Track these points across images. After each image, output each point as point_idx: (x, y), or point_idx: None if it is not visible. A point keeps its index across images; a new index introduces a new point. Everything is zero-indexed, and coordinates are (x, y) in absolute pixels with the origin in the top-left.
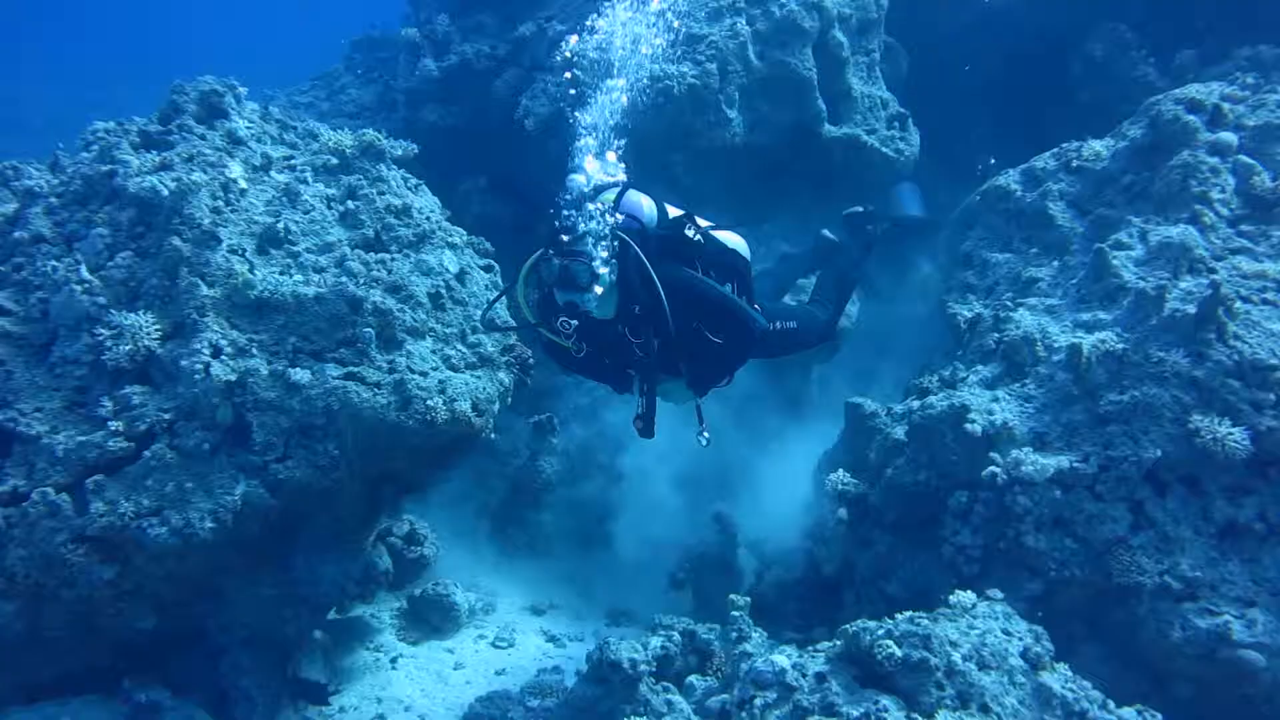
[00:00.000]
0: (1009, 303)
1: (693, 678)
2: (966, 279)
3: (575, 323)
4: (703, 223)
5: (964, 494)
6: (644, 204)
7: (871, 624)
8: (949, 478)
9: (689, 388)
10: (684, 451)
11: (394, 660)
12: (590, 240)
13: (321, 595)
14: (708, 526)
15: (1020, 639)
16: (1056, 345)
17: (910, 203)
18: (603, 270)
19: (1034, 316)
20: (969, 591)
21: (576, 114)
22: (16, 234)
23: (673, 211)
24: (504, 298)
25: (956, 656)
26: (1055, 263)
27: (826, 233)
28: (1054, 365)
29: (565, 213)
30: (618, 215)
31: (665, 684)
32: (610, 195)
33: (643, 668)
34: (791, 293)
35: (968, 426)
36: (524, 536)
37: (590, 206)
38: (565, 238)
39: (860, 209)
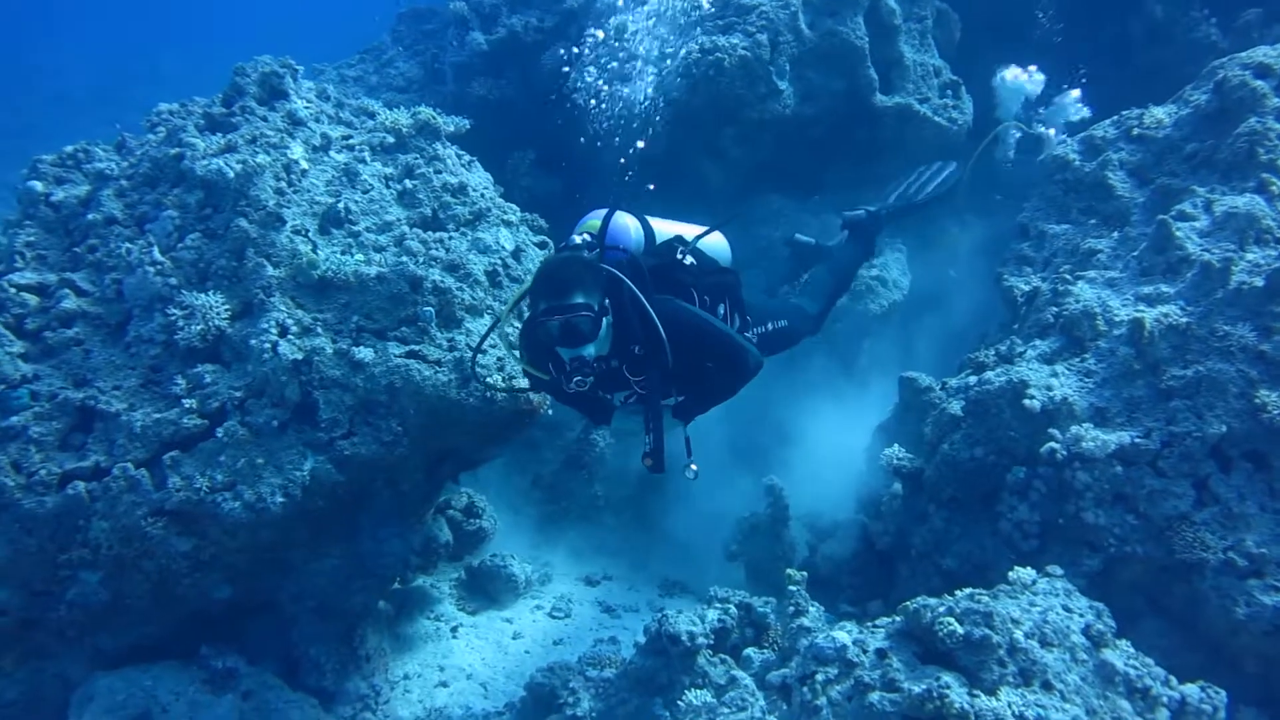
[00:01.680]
0: (1068, 275)
1: (750, 650)
2: (1023, 251)
3: (591, 380)
4: (689, 231)
5: (1022, 470)
6: (630, 228)
7: (932, 601)
8: (1007, 454)
9: (675, 417)
10: (735, 424)
11: (454, 630)
12: (585, 282)
13: (385, 567)
14: (760, 499)
15: (1082, 616)
16: (1117, 319)
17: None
18: (604, 318)
19: (1094, 290)
20: (1029, 568)
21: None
22: (90, 216)
23: (658, 226)
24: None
25: (1019, 634)
26: (1115, 234)
27: (799, 236)
28: (1115, 340)
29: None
30: (600, 249)
31: (723, 656)
32: (594, 223)
33: (700, 640)
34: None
35: (1026, 403)
36: (577, 508)
37: (576, 238)
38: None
39: (862, 212)
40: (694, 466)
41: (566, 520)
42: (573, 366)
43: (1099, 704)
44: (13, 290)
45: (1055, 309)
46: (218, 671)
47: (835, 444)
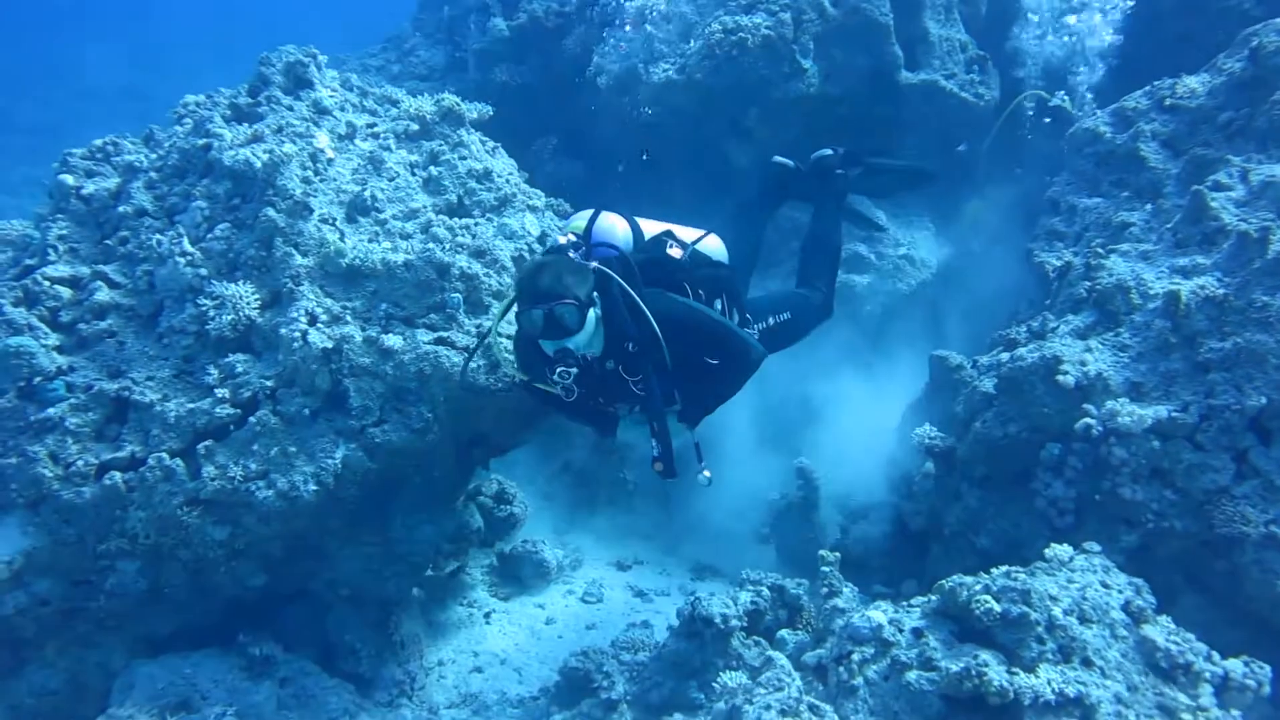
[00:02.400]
0: (1100, 249)
1: (783, 632)
2: (1054, 225)
3: (575, 370)
4: (686, 234)
5: (1057, 446)
6: (618, 227)
7: (968, 579)
8: (1040, 430)
9: (680, 420)
10: (764, 406)
11: (487, 616)
12: (567, 279)
13: (418, 554)
14: (790, 481)
15: (1121, 592)
16: (1152, 292)
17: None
18: (590, 310)
19: (1127, 263)
20: (1065, 545)
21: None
22: (120, 208)
23: (647, 226)
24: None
25: (1057, 611)
26: (1149, 206)
27: (779, 159)
28: (1150, 313)
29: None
30: (586, 246)
31: (757, 638)
32: (579, 224)
33: (734, 622)
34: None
35: (1060, 378)
36: (607, 494)
37: (561, 239)
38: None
39: (830, 151)
40: (707, 473)
41: (597, 505)
42: (556, 357)
43: (1140, 680)
44: (46, 283)
45: (1088, 283)
46: (256, 659)
47: (865, 424)
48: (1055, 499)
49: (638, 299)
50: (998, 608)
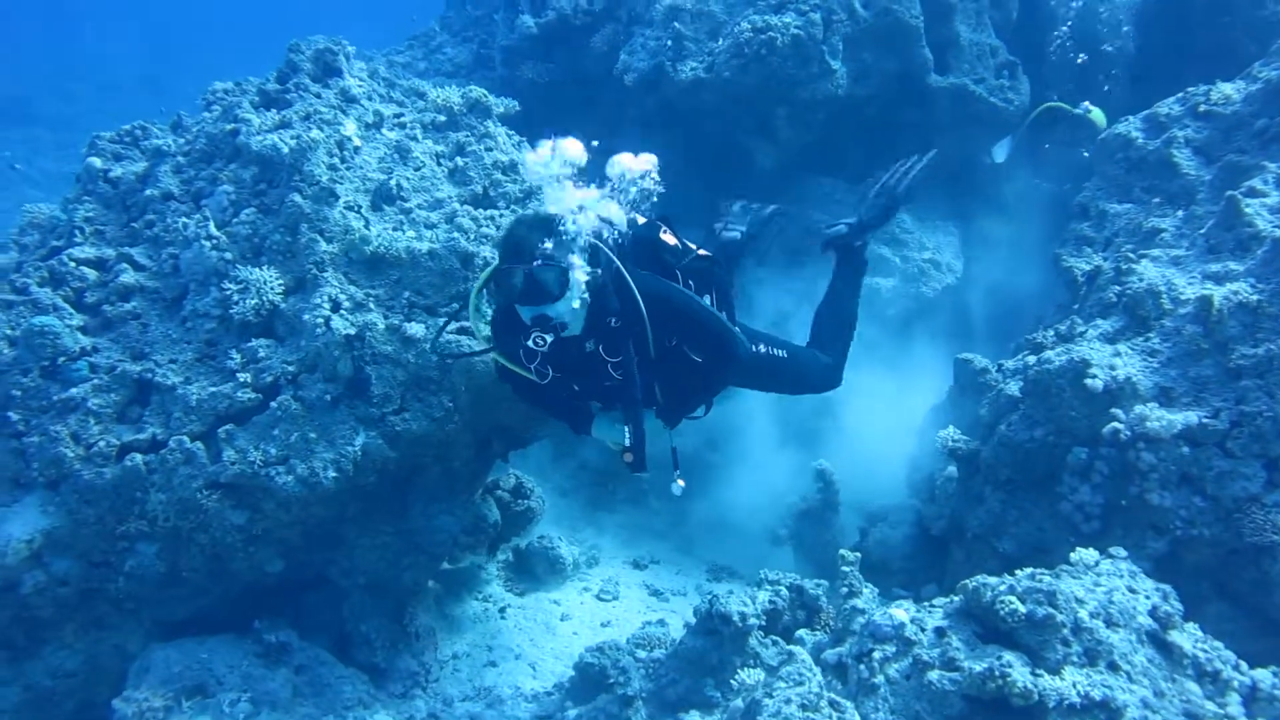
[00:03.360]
0: (1130, 254)
1: (802, 632)
2: (1082, 231)
3: (550, 338)
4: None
5: (1083, 451)
6: (611, 210)
7: (992, 580)
8: (1067, 434)
9: (659, 418)
10: (783, 407)
11: (502, 610)
12: (552, 240)
13: (436, 544)
14: (809, 483)
15: (1148, 597)
16: (1183, 297)
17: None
18: (580, 275)
19: (1158, 268)
20: (1091, 549)
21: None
22: (147, 192)
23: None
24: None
25: (1083, 613)
26: (1180, 212)
27: (728, 233)
28: (1181, 318)
29: (522, 225)
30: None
31: (775, 638)
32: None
33: (752, 620)
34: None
35: (1088, 382)
36: (624, 491)
37: (551, 209)
38: (534, 246)
39: (843, 227)
40: (681, 482)
41: (614, 503)
42: (533, 323)
43: (1167, 686)
44: (72, 264)
45: (1118, 288)
46: (271, 645)
47: (886, 427)
48: (1081, 504)
49: (625, 273)
50: (1022, 608)
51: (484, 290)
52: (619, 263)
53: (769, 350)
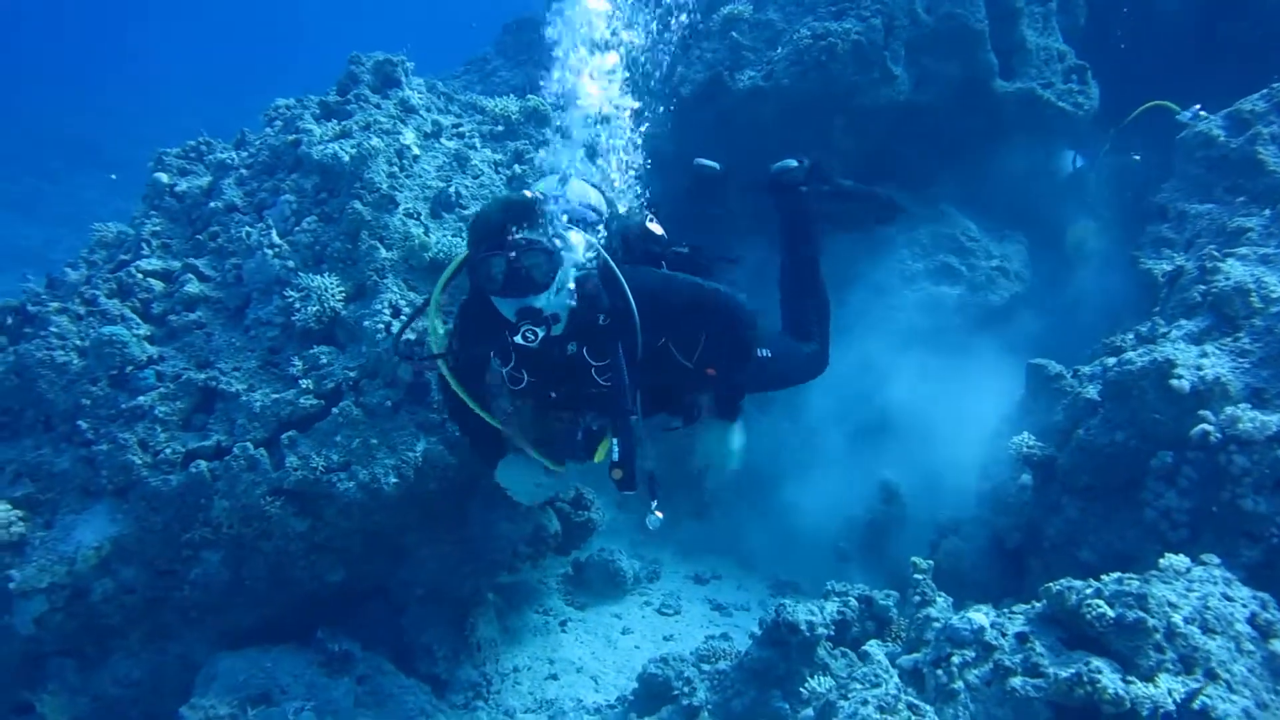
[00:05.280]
0: (1215, 254)
1: (872, 643)
2: (1161, 233)
3: (541, 332)
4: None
5: (1169, 454)
6: (592, 197)
7: (1077, 583)
8: (1151, 438)
9: (720, 416)
10: (846, 416)
11: (563, 624)
12: (529, 224)
13: (496, 552)
14: (874, 495)
15: (1245, 605)
16: (1275, 295)
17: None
18: (571, 262)
19: (1246, 267)
20: (1181, 555)
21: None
22: (211, 204)
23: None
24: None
25: (1177, 618)
26: (1267, 211)
27: (701, 160)
28: (1273, 317)
29: (497, 208)
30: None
31: (844, 649)
32: (547, 186)
33: (820, 630)
34: None
35: (1174, 383)
36: (686, 504)
37: (527, 194)
38: (513, 232)
39: (794, 162)
40: (659, 513)
41: (675, 517)
42: (520, 316)
43: (1270, 699)
44: (140, 276)
45: (1203, 287)
46: (334, 655)
47: (955, 436)
48: (1168, 510)
49: (614, 266)
50: (1111, 613)
51: (449, 285)
52: (605, 254)
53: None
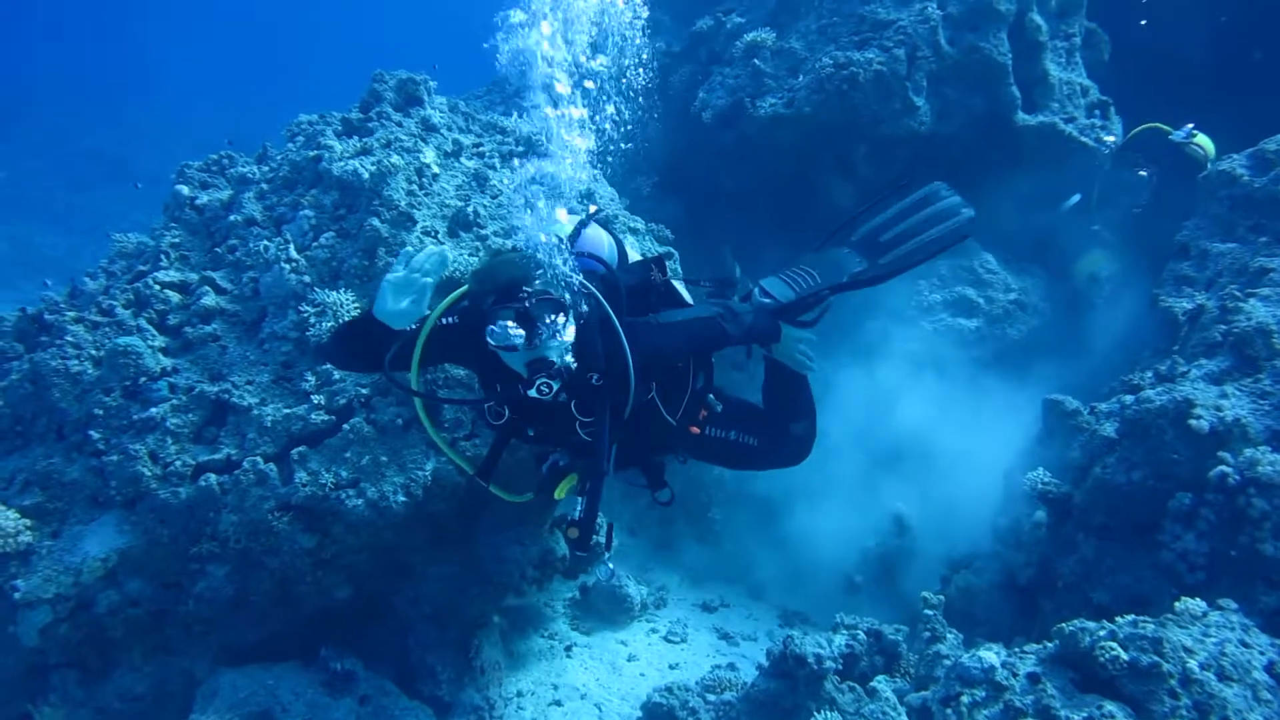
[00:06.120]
0: (1237, 293)
1: (880, 678)
2: (1182, 271)
3: (556, 384)
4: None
5: (1187, 496)
6: (604, 241)
7: (1090, 624)
8: (1169, 478)
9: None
10: (860, 446)
11: (568, 649)
12: (542, 278)
13: (503, 574)
14: (886, 527)
15: (1263, 652)
16: None
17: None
18: (568, 320)
19: (1268, 307)
20: (1197, 599)
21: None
22: (231, 218)
23: (632, 254)
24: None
25: (1192, 664)
26: None
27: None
28: None
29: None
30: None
31: (851, 684)
32: (562, 229)
33: (829, 663)
34: None
35: (1193, 423)
36: (694, 531)
37: (541, 237)
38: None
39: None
40: (610, 565)
41: (683, 544)
42: (533, 369)
43: None
44: (157, 287)
45: (1224, 327)
46: (337, 674)
47: (969, 471)
48: (1185, 552)
49: (618, 326)
50: (1125, 655)
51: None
52: (610, 311)
53: (739, 437)
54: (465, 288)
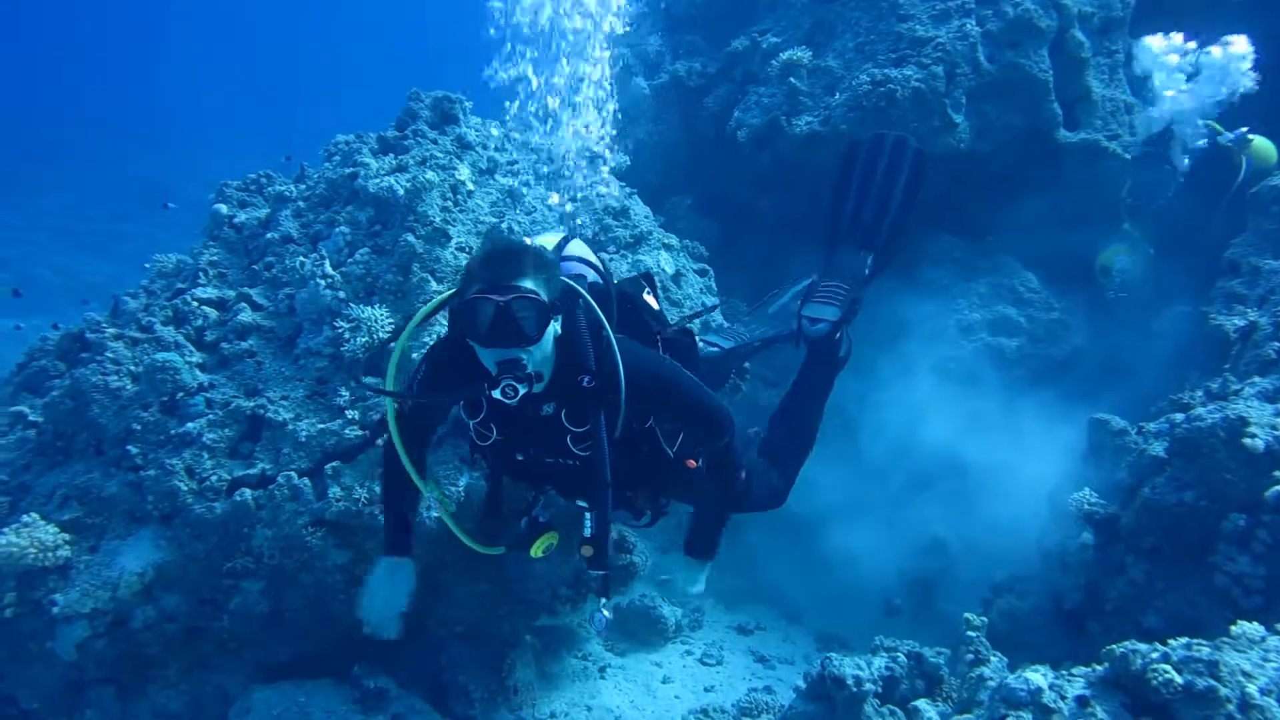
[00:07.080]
0: None
1: (921, 702)
2: (1233, 288)
3: (523, 389)
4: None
5: (1241, 517)
6: (590, 255)
7: (1142, 646)
8: (1222, 499)
9: (689, 554)
10: (899, 466)
11: (602, 670)
12: (531, 271)
13: (534, 592)
14: (926, 549)
15: None
16: None
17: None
18: (551, 323)
19: None
20: (1255, 623)
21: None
22: (268, 235)
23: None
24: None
25: (1252, 689)
26: None
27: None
28: None
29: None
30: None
31: (892, 707)
32: (548, 239)
33: (868, 686)
34: None
35: (1247, 441)
36: (729, 555)
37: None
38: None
39: (826, 325)
40: (607, 614)
41: (718, 566)
42: (502, 369)
43: None
44: (195, 304)
45: (1278, 344)
46: (369, 692)
47: (1012, 492)
48: (1240, 575)
49: (608, 328)
50: (1179, 679)
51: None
52: (600, 314)
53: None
54: (452, 290)
